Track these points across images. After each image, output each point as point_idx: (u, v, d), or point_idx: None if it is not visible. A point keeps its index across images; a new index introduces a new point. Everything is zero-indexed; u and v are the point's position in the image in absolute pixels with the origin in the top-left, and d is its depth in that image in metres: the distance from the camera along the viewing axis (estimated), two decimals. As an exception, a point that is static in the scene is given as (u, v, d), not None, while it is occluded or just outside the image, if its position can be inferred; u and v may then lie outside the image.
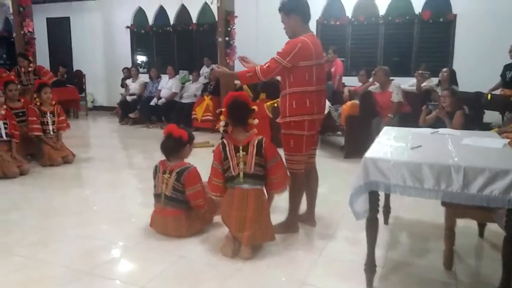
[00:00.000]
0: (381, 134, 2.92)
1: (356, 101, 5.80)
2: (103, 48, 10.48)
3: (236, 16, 7.46)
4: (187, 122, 7.39)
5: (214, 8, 8.00)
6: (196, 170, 3.12)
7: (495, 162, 2.08)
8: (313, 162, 3.23)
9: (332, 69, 7.09)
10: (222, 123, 2.91)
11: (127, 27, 10.11)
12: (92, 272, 2.58)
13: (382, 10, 7.86)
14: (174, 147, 3.12)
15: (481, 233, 3.01)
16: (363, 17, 8.01)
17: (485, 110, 5.52)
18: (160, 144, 3.15)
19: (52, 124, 5.35)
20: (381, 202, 2.42)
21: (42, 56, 9.67)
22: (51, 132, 5.33)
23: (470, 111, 4.75)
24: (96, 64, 10.49)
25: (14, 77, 6.00)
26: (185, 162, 3.15)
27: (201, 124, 7.58)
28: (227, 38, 7.26)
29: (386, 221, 3.24)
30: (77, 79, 9.99)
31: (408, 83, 6.36)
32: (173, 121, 6.94)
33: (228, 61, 7.13)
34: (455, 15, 7.28)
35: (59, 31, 10.91)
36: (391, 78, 5.67)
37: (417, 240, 3.06)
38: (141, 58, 10.49)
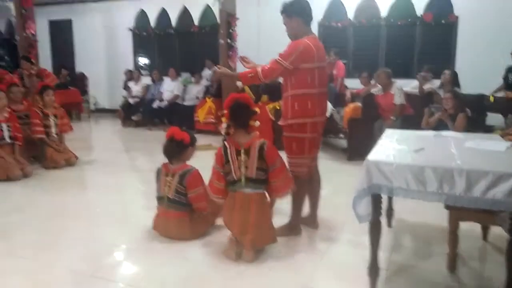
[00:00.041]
0: (383, 136, 2.91)
1: (359, 104, 5.80)
2: (105, 50, 10.51)
3: (238, 18, 7.48)
4: (189, 125, 7.39)
5: (215, 10, 8.02)
6: (198, 172, 3.12)
7: (498, 165, 2.07)
8: (316, 164, 3.23)
9: (334, 72, 7.09)
10: (223, 125, 2.90)
11: (129, 29, 10.14)
12: (95, 275, 2.58)
13: (383, 12, 7.87)
14: (176, 150, 3.13)
15: (484, 236, 3.00)
16: (365, 19, 8.02)
17: (487, 113, 5.52)
18: (162, 147, 3.16)
19: (55, 127, 5.36)
20: (384, 205, 2.42)
21: (45, 59, 9.70)
22: (54, 135, 5.35)
23: (473, 114, 4.74)
24: (99, 67, 10.52)
25: (17, 79, 6.01)
26: (187, 165, 3.15)
27: (204, 127, 7.59)
28: (229, 40, 7.28)
29: (389, 224, 3.24)
30: (80, 82, 10.02)
31: (410, 85, 6.35)
32: (176, 124, 6.94)
33: (230, 63, 7.14)
34: (457, 17, 7.28)
35: (62, 33, 10.95)
36: (393, 80, 5.67)
37: (420, 243, 3.06)
38: (143, 61, 10.52)
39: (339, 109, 6.27)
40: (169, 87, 8.46)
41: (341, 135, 6.42)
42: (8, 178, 4.61)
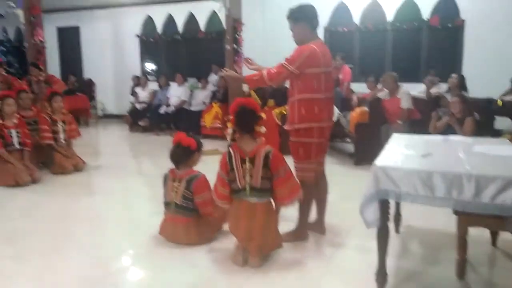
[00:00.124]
0: (390, 141, 2.91)
1: (365, 108, 5.79)
2: (112, 56, 10.60)
3: (244, 24, 7.52)
4: (196, 130, 7.42)
5: (221, 16, 8.07)
6: (205, 178, 3.13)
7: (508, 170, 2.06)
8: (323, 169, 3.22)
9: (340, 76, 7.08)
10: (229, 131, 2.88)
11: (136, 35, 10.22)
12: (103, 281, 2.59)
13: (389, 17, 7.86)
14: (183, 156, 3.14)
15: (493, 242, 2.97)
16: (371, 23, 8.02)
17: (495, 116, 5.48)
18: (169, 153, 3.17)
19: (63, 133, 5.40)
20: (392, 211, 2.41)
21: (53, 65, 9.80)
22: (62, 140, 5.39)
23: (481, 118, 4.71)
24: (106, 73, 10.60)
25: (26, 86, 6.07)
26: (194, 170, 3.16)
27: (210, 132, 7.61)
28: (235, 46, 7.32)
29: (397, 230, 3.22)
30: (87, 88, 10.11)
31: (417, 89, 6.33)
32: (182, 129, 6.98)
33: (236, 68, 7.17)
34: (464, 21, 7.25)
35: (70, 40, 11.06)
36: (399, 84, 5.66)
37: (428, 249, 3.03)
38: (150, 66, 10.59)
39: (346, 114, 6.26)
40: (176, 93, 8.51)
41: (348, 140, 6.41)
42: (16, 184, 4.65)
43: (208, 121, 7.69)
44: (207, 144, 5.35)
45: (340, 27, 8.23)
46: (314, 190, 3.13)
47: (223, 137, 7.02)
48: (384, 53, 8.07)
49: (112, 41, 10.54)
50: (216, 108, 7.73)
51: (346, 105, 6.59)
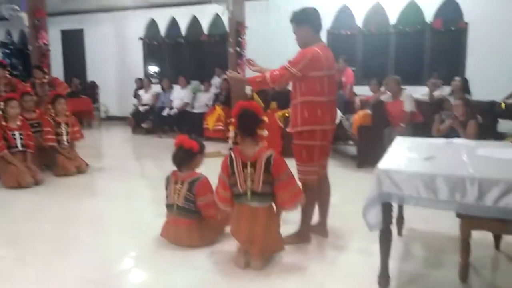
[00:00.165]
0: (393, 144, 2.90)
1: (368, 111, 5.78)
2: (116, 59, 10.64)
3: (247, 27, 7.54)
4: (198, 132, 7.43)
5: (225, 19, 8.09)
6: (207, 180, 3.13)
7: (511, 173, 2.05)
8: (325, 172, 3.22)
9: (343, 79, 7.09)
10: (231, 134, 2.87)
11: (140, 38, 10.25)
12: (106, 282, 2.60)
13: (392, 20, 7.86)
14: (185, 158, 3.14)
15: (497, 245, 2.96)
16: (374, 26, 8.02)
17: (499, 119, 5.46)
18: (171, 155, 3.18)
19: (66, 135, 5.42)
20: (395, 213, 2.40)
21: (57, 68, 9.85)
22: (65, 143, 5.40)
23: (484, 121, 4.70)
24: (109, 75, 10.64)
25: (29, 88, 6.10)
26: (196, 173, 3.17)
27: (213, 134, 7.62)
28: (238, 49, 7.33)
29: (399, 233, 3.21)
30: (91, 90, 10.15)
31: (420, 92, 6.32)
32: (185, 131, 6.99)
33: (239, 71, 7.18)
34: (467, 24, 7.24)
35: (73, 43, 11.11)
36: (402, 87, 5.65)
37: (431, 252, 3.02)
38: (153, 69, 10.62)
39: (348, 116, 6.25)
40: (179, 95, 8.53)
41: (351, 142, 6.40)
42: (19, 185, 4.67)
43: (210, 123, 7.70)
44: (210, 146, 5.36)
45: (343, 30, 8.24)
46: (317, 193, 3.12)
47: (225, 140, 7.02)
48: (387, 56, 8.07)
49: (115, 44, 10.58)
50: (218, 110, 7.74)
51: (348, 107, 6.58)
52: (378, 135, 5.26)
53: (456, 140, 3.05)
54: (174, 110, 8.37)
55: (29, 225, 3.61)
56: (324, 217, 3.26)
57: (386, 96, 5.83)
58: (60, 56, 11.05)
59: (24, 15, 7.00)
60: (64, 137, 5.40)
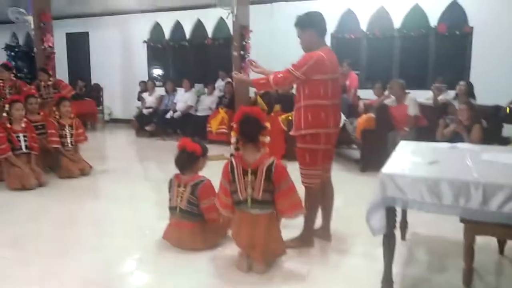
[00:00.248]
0: (397, 148, 2.90)
1: (372, 115, 5.77)
2: (120, 62, 10.68)
3: (251, 31, 7.55)
4: (202, 135, 7.43)
5: (229, 23, 8.12)
6: (210, 183, 3.13)
7: (516, 178, 2.04)
8: (329, 176, 3.21)
9: (347, 82, 7.08)
10: (233, 140, 2.84)
11: (144, 41, 10.30)
12: (108, 285, 2.60)
13: (397, 24, 7.85)
14: (188, 161, 3.14)
15: (501, 250, 2.94)
16: (378, 30, 8.01)
17: (503, 124, 5.43)
18: (174, 159, 3.18)
19: (70, 137, 5.44)
20: (398, 218, 2.39)
21: (62, 70, 9.88)
22: (69, 145, 5.42)
23: (488, 125, 4.68)
24: (114, 78, 10.68)
25: (34, 91, 6.13)
26: (199, 176, 3.17)
27: (216, 137, 7.62)
28: (242, 52, 7.35)
29: (403, 237, 3.19)
30: (95, 93, 10.19)
31: (424, 96, 6.31)
32: (189, 134, 7.01)
33: (243, 74, 7.18)
34: (472, 28, 7.22)
35: (78, 45, 11.17)
36: (406, 91, 5.64)
37: (435, 257, 3.00)
38: (157, 72, 10.65)
39: (352, 120, 6.25)
40: (183, 98, 8.54)
41: (354, 146, 6.39)
42: (23, 187, 4.69)
43: (214, 126, 7.71)
44: (213, 149, 5.37)
45: (347, 34, 8.23)
46: (320, 197, 3.12)
47: (229, 143, 7.00)
48: (391, 60, 8.06)
49: (120, 47, 10.63)
50: (222, 113, 7.75)
51: (352, 111, 6.58)
52: (382, 139, 5.24)
53: (460, 145, 3.04)
54: (178, 113, 8.39)
55: (33, 227, 3.63)
56: (327, 221, 3.25)
57: (390, 100, 5.82)
58: (65, 59, 11.10)
59: (30, 18, 7.05)
60: (68, 139, 5.42)
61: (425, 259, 3.00)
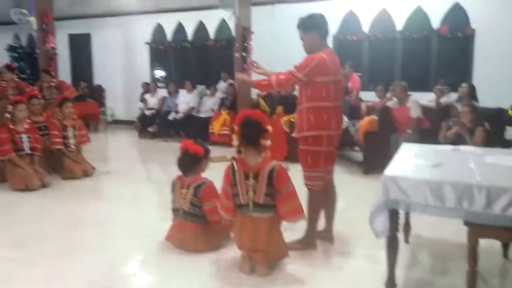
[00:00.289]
0: (400, 150, 2.90)
1: (374, 117, 5.77)
2: (122, 63, 10.70)
3: (253, 32, 7.56)
4: (204, 136, 7.43)
5: (231, 24, 8.12)
6: (213, 185, 3.13)
7: (519, 181, 2.04)
8: (331, 178, 3.21)
9: (349, 84, 7.08)
10: (235, 143, 2.83)
11: (146, 43, 10.32)
12: (111, 286, 2.61)
13: (399, 26, 7.85)
14: (190, 163, 3.15)
15: (505, 254, 2.93)
16: (380, 32, 8.01)
17: (506, 127, 5.42)
18: (177, 161, 3.18)
19: (73, 138, 5.45)
20: (401, 220, 2.39)
21: (64, 71, 9.91)
22: (72, 146, 5.44)
23: (491, 128, 4.67)
24: (116, 79, 10.70)
25: (37, 92, 6.15)
26: (202, 177, 3.17)
27: (218, 138, 7.63)
28: (244, 54, 7.35)
29: (406, 240, 3.18)
30: (98, 94, 10.21)
31: (426, 98, 6.30)
32: (191, 135, 7.02)
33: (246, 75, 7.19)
34: (474, 30, 7.22)
35: (81, 47, 11.18)
36: (409, 93, 5.64)
37: (438, 260, 3.00)
38: (159, 73, 10.66)
39: (354, 122, 6.24)
40: (185, 99, 8.56)
41: (357, 148, 6.38)
42: (26, 188, 4.70)
43: (216, 128, 7.72)
44: (215, 151, 5.37)
45: (349, 36, 8.23)
46: (323, 199, 3.12)
47: (231, 144, 7.01)
48: (393, 62, 8.05)
49: (122, 48, 10.65)
50: (224, 115, 7.76)
51: (355, 113, 6.57)
52: (384, 141, 5.24)
53: (463, 147, 3.04)
54: (180, 115, 8.40)
55: (36, 228, 3.63)
56: (330, 223, 3.25)
57: (392, 102, 5.81)
58: (67, 60, 11.13)
59: (32, 19, 7.07)
60: (71, 141, 5.43)
61: (428, 262, 3.00)
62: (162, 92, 9.27)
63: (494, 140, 4.56)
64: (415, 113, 5.41)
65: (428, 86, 7.34)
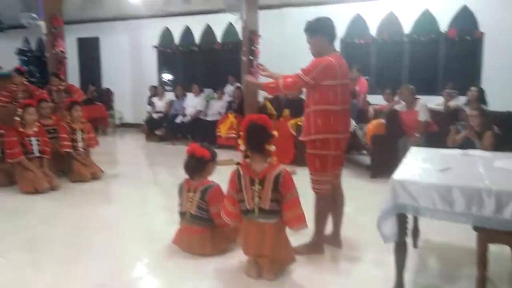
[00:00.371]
0: (408, 154, 2.88)
1: (382, 120, 5.75)
2: (131, 67, 10.77)
3: (260, 36, 7.58)
4: (211, 139, 7.45)
5: (238, 28, 8.15)
6: (219, 188, 3.13)
7: (530, 186, 2.02)
8: (339, 182, 3.20)
9: (357, 88, 7.07)
10: (241, 148, 2.82)
11: (154, 46, 10.38)
12: (118, 289, 2.61)
13: (407, 29, 7.83)
14: (197, 166, 3.15)
15: (515, 259, 2.90)
16: (388, 35, 7.99)
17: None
18: (183, 164, 3.19)
19: (82, 141, 5.50)
20: (410, 225, 2.37)
21: (73, 75, 9.99)
22: (81, 149, 5.48)
23: (501, 131, 4.63)
24: (124, 83, 10.77)
25: (46, 95, 6.21)
26: (209, 180, 3.17)
27: (225, 141, 7.65)
28: (251, 57, 7.37)
29: (415, 244, 3.16)
30: (106, 97, 10.28)
31: (434, 102, 6.27)
32: (198, 138, 7.03)
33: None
34: (482, 33, 7.17)
35: (89, 50, 11.29)
36: (416, 96, 5.61)
37: (447, 265, 2.97)
38: (167, 77, 10.72)
39: (362, 125, 6.22)
40: (192, 103, 8.59)
41: (364, 152, 6.36)
42: (35, 191, 4.74)
43: (223, 131, 7.74)
44: (222, 154, 5.38)
45: (357, 39, 8.22)
46: (330, 203, 3.11)
47: (238, 147, 7.03)
48: (401, 65, 8.02)
49: (130, 52, 10.72)
50: (231, 118, 7.78)
51: (362, 117, 6.55)
52: (392, 145, 5.22)
53: (472, 151, 3.01)
54: (188, 118, 8.43)
55: (45, 230, 3.66)
56: (338, 227, 3.24)
57: (400, 106, 5.79)
58: (76, 64, 11.23)
59: (42, 23, 7.15)
60: (80, 144, 5.47)
61: (437, 267, 2.97)
62: (170, 96, 9.32)
63: (503, 144, 4.51)
64: (423, 116, 5.38)
65: (436, 90, 7.30)
